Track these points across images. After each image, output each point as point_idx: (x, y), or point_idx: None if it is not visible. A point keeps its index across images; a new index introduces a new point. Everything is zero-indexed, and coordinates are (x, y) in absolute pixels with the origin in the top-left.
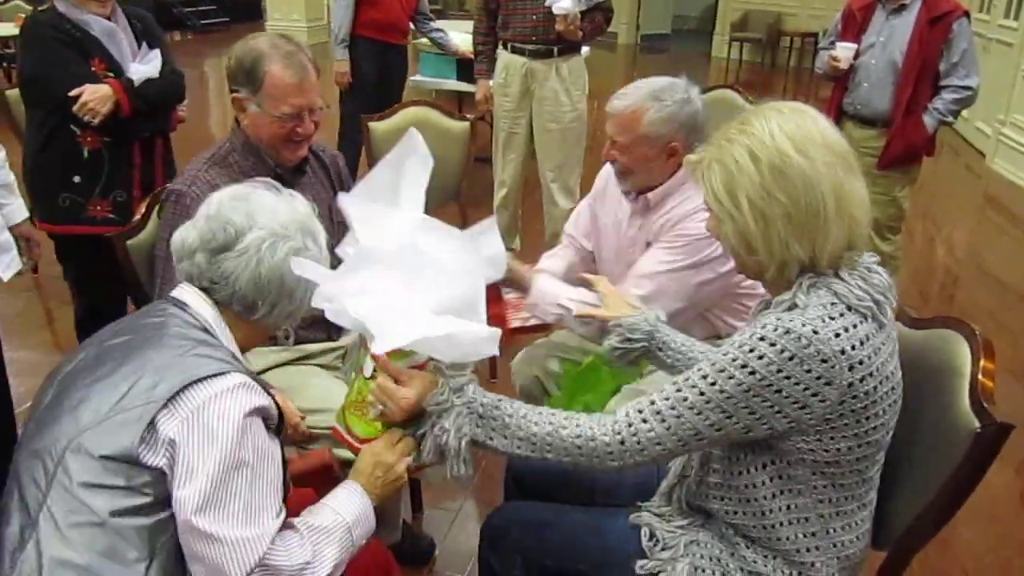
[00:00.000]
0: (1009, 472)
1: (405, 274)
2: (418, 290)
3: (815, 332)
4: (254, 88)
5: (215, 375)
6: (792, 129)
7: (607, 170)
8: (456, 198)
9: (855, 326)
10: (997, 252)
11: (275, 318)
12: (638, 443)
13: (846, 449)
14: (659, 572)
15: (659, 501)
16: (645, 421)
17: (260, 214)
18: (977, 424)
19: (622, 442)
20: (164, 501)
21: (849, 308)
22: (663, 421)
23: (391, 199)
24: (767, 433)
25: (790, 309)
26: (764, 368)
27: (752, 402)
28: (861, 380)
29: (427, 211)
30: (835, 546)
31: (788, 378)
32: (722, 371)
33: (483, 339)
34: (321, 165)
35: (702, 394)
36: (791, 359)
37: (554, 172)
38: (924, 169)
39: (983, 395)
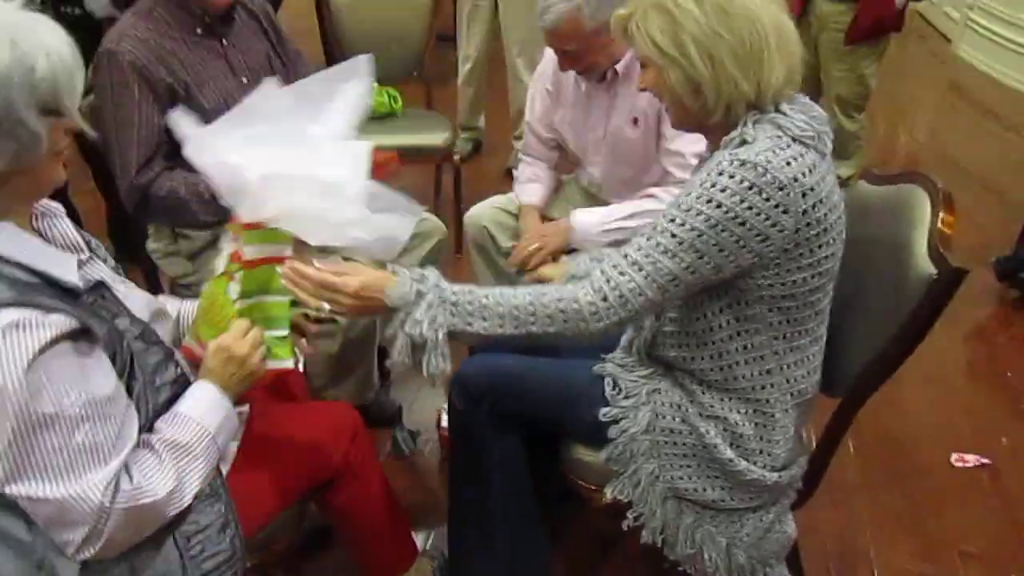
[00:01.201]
0: (957, 339)
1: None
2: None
3: (768, 161)
4: None
5: None
6: None
7: (549, 53)
8: (419, 74)
9: (802, 155)
10: (958, 137)
11: None
12: (620, 296)
13: (801, 280)
14: (621, 419)
15: (621, 354)
16: (623, 274)
17: None
18: (933, 270)
19: (604, 298)
20: None
21: (794, 139)
22: (640, 270)
23: (312, 116)
24: (735, 271)
25: (740, 145)
26: (728, 200)
27: (720, 237)
28: (813, 207)
29: (391, 84)
30: (788, 381)
31: (750, 208)
32: (688, 210)
33: (400, 225)
34: (250, 15)
35: (674, 236)
36: (750, 188)
37: (519, 46)
38: (889, 54)
39: (941, 242)
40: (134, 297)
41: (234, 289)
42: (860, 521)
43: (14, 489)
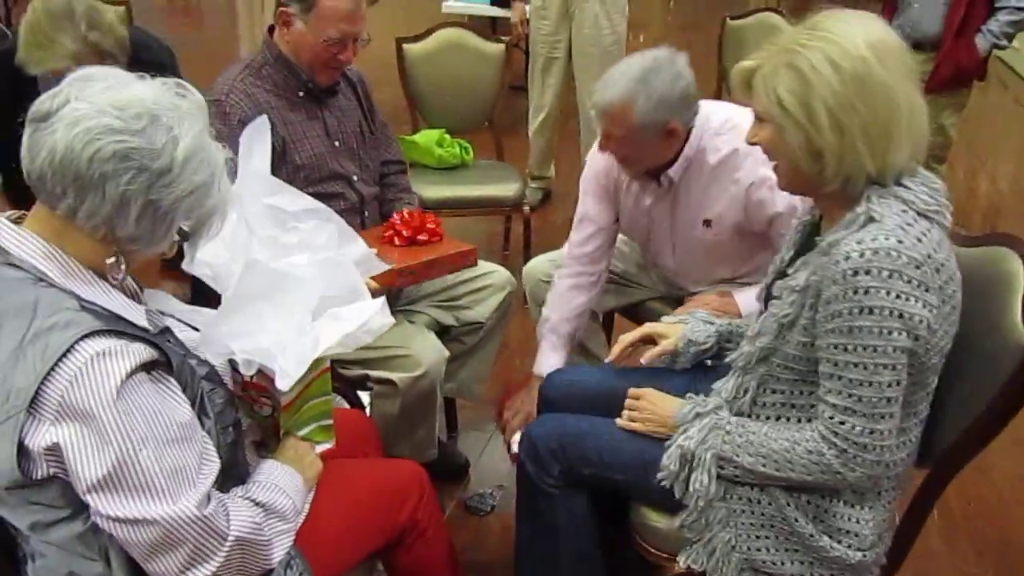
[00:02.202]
0: None
1: (272, 300)
2: (293, 309)
3: (900, 242)
4: (306, 6)
5: (67, 353)
6: (873, 37)
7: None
8: (489, 125)
9: (929, 231)
10: None
11: (92, 220)
12: (855, 444)
13: (919, 363)
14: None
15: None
16: (843, 423)
17: (98, 88)
18: None
19: (844, 450)
20: (81, 507)
21: (919, 214)
22: (854, 413)
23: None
24: (928, 367)
25: (866, 224)
26: (876, 300)
27: (891, 340)
28: (946, 283)
29: (462, 135)
30: (890, 466)
31: (899, 297)
32: (850, 331)
33: (376, 314)
34: (348, 83)
35: (857, 365)
36: (890, 276)
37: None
38: (971, 101)
39: None
40: (195, 337)
41: (264, 410)
42: None
43: (117, 511)
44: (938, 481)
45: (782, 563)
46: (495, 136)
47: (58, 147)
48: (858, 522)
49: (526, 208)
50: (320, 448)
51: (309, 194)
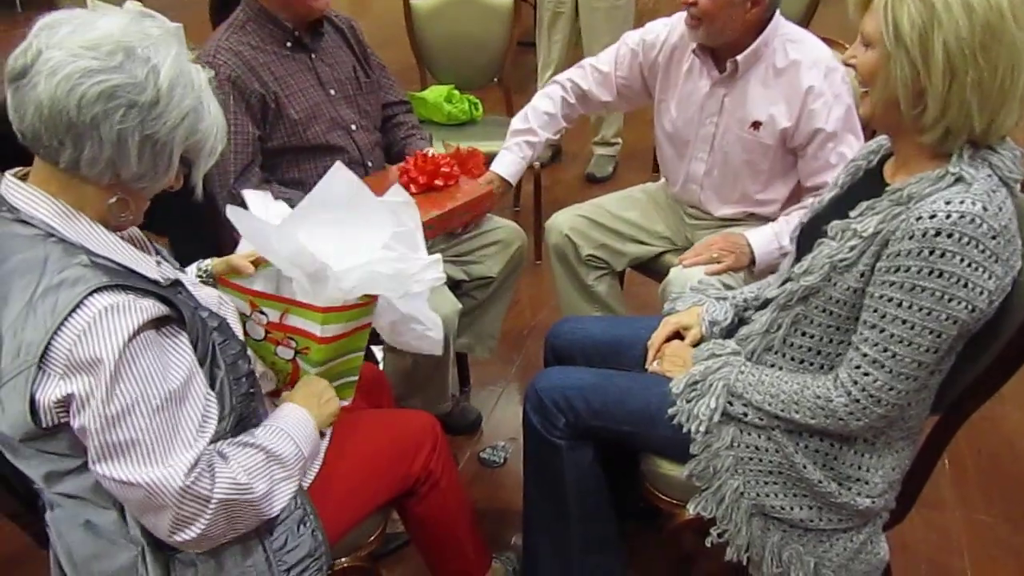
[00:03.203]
0: None
1: (351, 209)
2: (366, 225)
3: (985, 209)
4: None
5: (75, 308)
6: None
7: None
8: (498, 81)
9: (1007, 200)
10: None
11: (96, 167)
12: (870, 396)
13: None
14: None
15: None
16: (867, 374)
17: (64, 32)
18: None
19: (856, 400)
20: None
21: (1001, 180)
22: (882, 367)
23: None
24: (966, 336)
25: (954, 183)
26: (949, 265)
27: (950, 308)
28: (1012, 254)
29: (471, 91)
30: (905, 419)
31: (970, 265)
32: (912, 289)
33: (430, 266)
34: (337, 30)
35: (905, 322)
36: (968, 243)
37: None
38: None
39: None
40: (206, 292)
41: (286, 353)
42: (956, 542)
43: (105, 471)
44: (948, 428)
45: (791, 508)
46: (504, 92)
47: (43, 100)
48: (868, 470)
49: (536, 164)
50: (339, 404)
51: (310, 150)
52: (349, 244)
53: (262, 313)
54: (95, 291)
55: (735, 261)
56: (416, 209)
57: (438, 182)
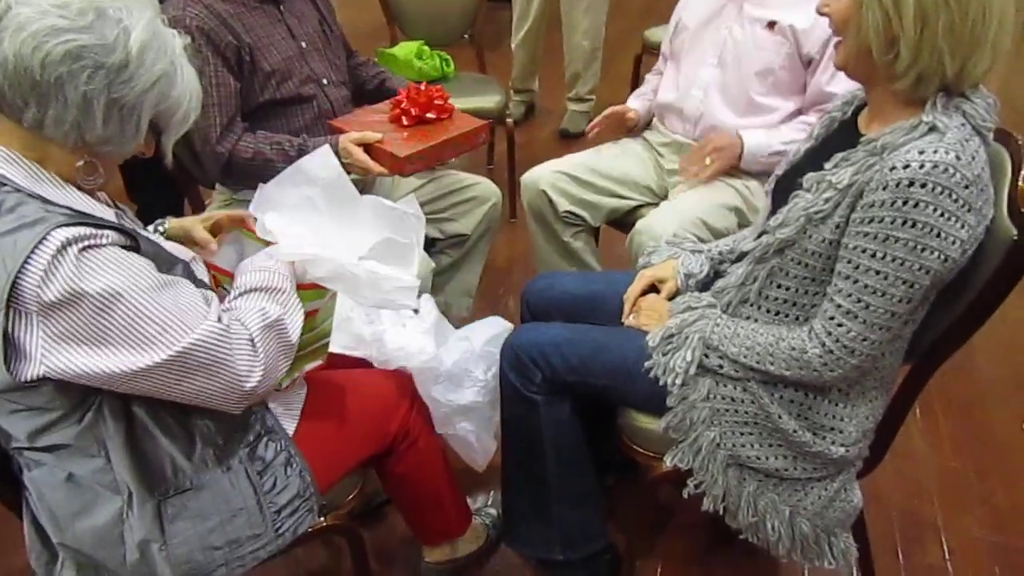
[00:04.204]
0: None
1: (337, 216)
2: (350, 229)
3: (958, 158)
4: None
5: (37, 246)
6: None
7: None
8: (470, 38)
9: (979, 149)
10: None
11: (61, 128)
12: (844, 347)
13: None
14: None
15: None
16: (840, 325)
17: None
18: (1014, 232)
19: (830, 351)
20: (76, 405)
21: (974, 129)
22: (855, 318)
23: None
24: (939, 285)
25: (927, 133)
26: (922, 215)
27: (923, 258)
28: (985, 203)
29: (442, 48)
30: (878, 368)
31: (943, 214)
32: (885, 239)
33: (403, 289)
34: None
35: (878, 273)
36: (942, 193)
37: (578, 9)
38: None
39: (1022, 202)
40: (168, 245)
41: None
42: (927, 490)
43: (151, 358)
44: (920, 377)
45: (766, 458)
46: (477, 49)
47: (8, 57)
48: (842, 420)
49: (509, 121)
50: (312, 365)
51: (282, 102)
52: (335, 236)
53: (225, 290)
54: (56, 228)
55: (724, 161)
56: (423, 225)
57: (430, 115)
